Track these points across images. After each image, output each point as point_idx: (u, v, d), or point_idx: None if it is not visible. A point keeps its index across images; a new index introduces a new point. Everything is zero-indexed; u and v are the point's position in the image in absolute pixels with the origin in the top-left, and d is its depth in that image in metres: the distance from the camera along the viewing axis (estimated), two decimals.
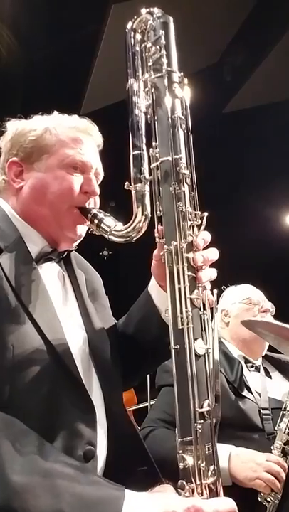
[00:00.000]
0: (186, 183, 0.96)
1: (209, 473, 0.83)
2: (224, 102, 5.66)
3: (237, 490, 1.44)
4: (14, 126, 1.18)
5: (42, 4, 4.17)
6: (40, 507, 0.71)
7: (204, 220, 0.96)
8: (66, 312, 1.10)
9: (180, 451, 0.84)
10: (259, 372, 1.86)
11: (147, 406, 4.43)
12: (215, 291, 0.95)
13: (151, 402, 4.26)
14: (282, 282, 5.08)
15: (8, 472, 0.73)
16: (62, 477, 0.77)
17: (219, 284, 1.02)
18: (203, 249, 0.96)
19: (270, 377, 1.90)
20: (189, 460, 0.83)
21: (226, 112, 5.69)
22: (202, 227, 0.95)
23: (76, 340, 1.06)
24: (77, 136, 1.15)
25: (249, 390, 1.73)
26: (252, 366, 1.86)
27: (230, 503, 0.82)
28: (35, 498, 0.72)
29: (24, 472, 0.74)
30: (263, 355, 1.95)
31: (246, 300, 1.96)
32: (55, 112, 1.21)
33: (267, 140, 5.28)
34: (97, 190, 1.15)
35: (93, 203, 1.15)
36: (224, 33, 5.11)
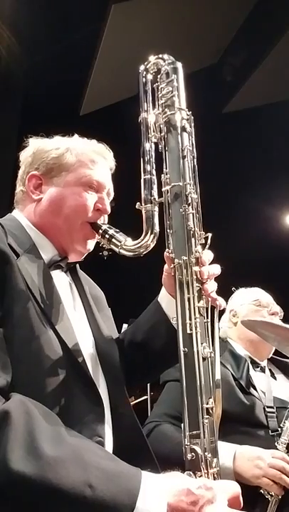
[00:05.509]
0: (194, 206, 1.06)
1: (214, 464, 0.92)
2: (224, 102, 5.67)
3: (239, 482, 1.44)
4: (37, 143, 1.28)
5: (42, 4, 4.18)
6: (71, 478, 0.77)
7: (208, 240, 1.06)
8: (75, 317, 1.16)
9: (188, 444, 0.92)
10: (264, 373, 1.87)
11: (147, 402, 4.43)
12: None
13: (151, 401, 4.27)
14: (281, 282, 5.08)
15: (41, 446, 0.79)
16: (88, 452, 0.83)
17: (218, 284, 1.06)
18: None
19: (275, 378, 1.90)
20: (198, 450, 0.91)
21: (226, 112, 5.70)
22: (207, 246, 1.06)
23: (85, 343, 1.12)
24: (95, 158, 1.25)
25: (254, 388, 1.74)
26: (257, 366, 1.86)
27: (235, 485, 0.88)
28: (66, 470, 0.78)
29: (55, 446, 0.81)
30: (269, 357, 1.95)
31: (256, 302, 1.96)
32: (76, 135, 1.31)
33: (267, 140, 5.28)
34: (109, 209, 1.24)
35: (103, 220, 1.24)
36: (224, 33, 5.11)
